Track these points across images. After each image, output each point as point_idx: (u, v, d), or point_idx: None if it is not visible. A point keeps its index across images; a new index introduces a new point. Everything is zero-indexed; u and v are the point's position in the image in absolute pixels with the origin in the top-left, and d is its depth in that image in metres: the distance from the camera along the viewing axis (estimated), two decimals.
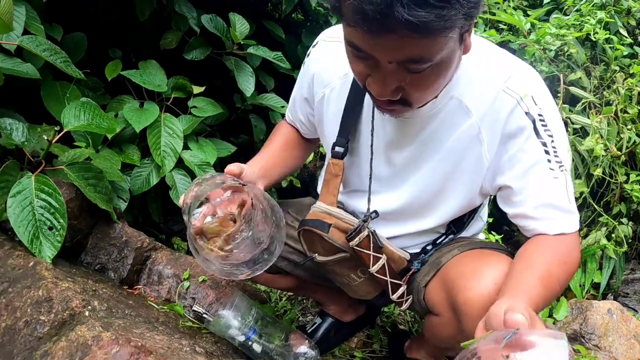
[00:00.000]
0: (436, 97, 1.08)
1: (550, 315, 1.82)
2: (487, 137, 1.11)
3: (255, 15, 2.38)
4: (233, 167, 1.19)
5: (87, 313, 1.16)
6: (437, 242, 1.34)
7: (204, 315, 1.56)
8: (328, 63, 1.27)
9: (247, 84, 2.15)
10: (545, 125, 1.08)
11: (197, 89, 2.11)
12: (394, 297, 1.28)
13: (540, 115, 1.07)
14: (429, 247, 1.34)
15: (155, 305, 1.51)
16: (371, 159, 1.24)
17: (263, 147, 1.47)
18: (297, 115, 1.45)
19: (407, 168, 1.22)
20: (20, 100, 1.71)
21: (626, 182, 2.10)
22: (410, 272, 1.31)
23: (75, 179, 1.46)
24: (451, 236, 1.34)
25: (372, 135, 1.21)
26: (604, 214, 2.12)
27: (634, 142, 2.06)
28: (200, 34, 2.16)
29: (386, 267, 1.24)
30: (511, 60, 1.12)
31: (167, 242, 2.19)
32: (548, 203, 1.10)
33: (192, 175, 1.97)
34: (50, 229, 1.33)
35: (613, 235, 2.10)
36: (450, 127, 1.13)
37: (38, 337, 1.14)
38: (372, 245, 1.21)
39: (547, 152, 1.08)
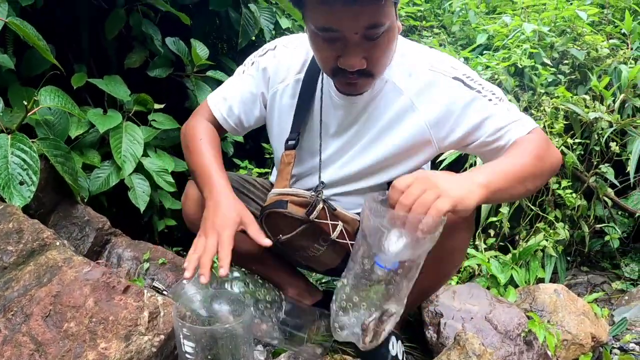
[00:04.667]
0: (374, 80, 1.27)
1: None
2: (422, 106, 1.30)
3: (211, 44, 2.56)
4: None
5: (58, 243, 1.17)
6: None
7: (164, 292, 1.56)
8: (285, 63, 1.43)
9: None
10: (472, 79, 1.29)
11: (157, 106, 2.22)
12: None
13: (464, 74, 1.29)
14: None
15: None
16: (320, 143, 1.41)
17: (209, 161, 1.37)
18: (233, 113, 1.46)
19: (351, 143, 1.39)
20: None
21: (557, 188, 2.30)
22: None
23: (46, 153, 1.50)
24: None
25: (320, 124, 1.38)
26: (542, 213, 2.29)
27: (562, 151, 2.28)
28: (162, 56, 2.30)
29: (344, 231, 1.38)
30: (426, 48, 1.37)
31: None
32: (499, 126, 1.26)
33: (151, 181, 2.03)
34: (22, 184, 1.35)
35: (550, 238, 2.25)
36: (386, 105, 1.33)
37: (3, 267, 1.12)
38: (328, 215, 1.36)
39: (481, 93, 1.27)
